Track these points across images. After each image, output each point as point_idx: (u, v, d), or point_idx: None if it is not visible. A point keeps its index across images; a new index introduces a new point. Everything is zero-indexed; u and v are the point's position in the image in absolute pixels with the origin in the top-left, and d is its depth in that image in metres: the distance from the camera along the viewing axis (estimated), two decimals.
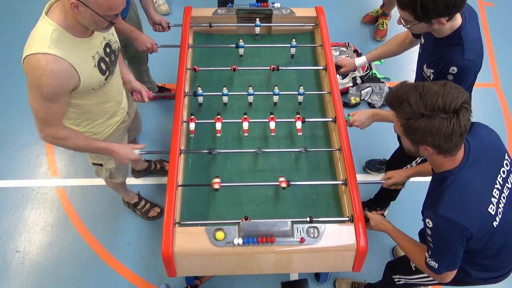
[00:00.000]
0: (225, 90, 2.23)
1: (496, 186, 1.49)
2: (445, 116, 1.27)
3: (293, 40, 2.46)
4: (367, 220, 1.85)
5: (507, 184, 1.54)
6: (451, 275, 1.54)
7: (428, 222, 1.45)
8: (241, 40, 2.44)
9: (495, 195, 1.47)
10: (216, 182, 1.90)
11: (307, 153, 2.16)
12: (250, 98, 2.28)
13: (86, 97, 1.69)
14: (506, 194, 1.53)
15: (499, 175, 1.51)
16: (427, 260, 1.54)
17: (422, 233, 1.86)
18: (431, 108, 1.27)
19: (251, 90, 2.24)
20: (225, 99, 2.27)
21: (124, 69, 2.07)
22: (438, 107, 1.27)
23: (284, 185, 1.90)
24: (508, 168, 1.54)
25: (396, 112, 1.38)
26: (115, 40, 1.77)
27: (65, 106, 1.62)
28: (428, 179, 1.63)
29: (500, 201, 1.49)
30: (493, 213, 1.45)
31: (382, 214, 1.88)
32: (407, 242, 1.71)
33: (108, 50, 1.69)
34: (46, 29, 1.47)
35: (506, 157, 1.56)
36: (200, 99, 2.27)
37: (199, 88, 2.23)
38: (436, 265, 1.51)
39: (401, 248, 1.76)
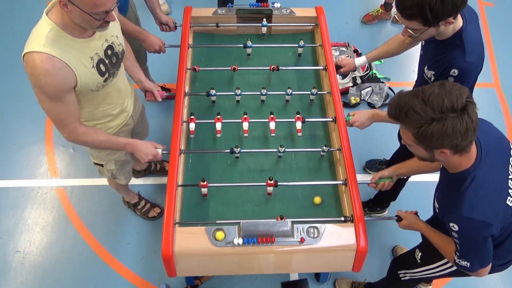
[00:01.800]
0: (238, 92, 2.24)
1: (510, 177, 1.48)
2: (455, 115, 1.24)
3: (301, 40, 2.46)
4: (400, 219, 1.85)
5: None
6: (486, 270, 1.54)
7: (453, 226, 1.43)
8: (249, 41, 2.43)
9: (510, 186, 1.47)
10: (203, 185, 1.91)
11: (307, 153, 2.16)
12: (263, 99, 2.29)
13: (85, 98, 1.69)
14: None
15: (510, 165, 1.51)
16: (457, 261, 1.53)
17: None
18: (440, 110, 1.25)
19: (264, 91, 2.25)
20: (237, 98, 2.28)
21: (135, 69, 2.08)
22: (446, 108, 1.24)
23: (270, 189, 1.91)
24: None
25: (404, 123, 1.34)
26: (119, 43, 1.76)
27: (73, 104, 1.63)
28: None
29: None
30: (511, 204, 1.45)
31: (416, 213, 1.86)
32: (442, 241, 1.68)
33: (109, 52, 1.69)
34: (43, 28, 1.48)
35: (511, 146, 1.56)
36: (213, 97, 2.27)
37: (212, 90, 2.23)
38: (468, 264, 1.51)
39: (435, 246, 1.74)
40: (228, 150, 2.02)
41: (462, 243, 1.47)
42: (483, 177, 1.41)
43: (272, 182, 1.90)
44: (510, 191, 1.46)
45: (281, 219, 1.81)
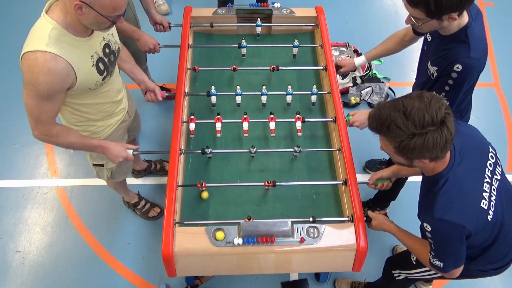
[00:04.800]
0: (238, 90, 2.23)
1: (485, 180, 1.50)
2: (435, 128, 1.28)
3: (296, 40, 2.46)
4: (369, 220, 1.85)
5: (495, 176, 1.55)
6: (458, 271, 1.56)
7: (426, 226, 1.45)
8: (243, 40, 2.43)
9: (486, 189, 1.49)
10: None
11: (307, 153, 2.16)
12: (264, 99, 2.27)
13: (83, 96, 1.69)
14: (496, 186, 1.54)
15: (487, 169, 1.52)
16: (432, 260, 1.55)
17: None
18: (421, 126, 1.28)
19: (264, 90, 2.23)
20: (238, 99, 2.26)
21: (137, 71, 2.08)
22: (427, 122, 1.27)
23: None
24: (493, 160, 1.56)
25: (385, 136, 1.37)
26: (115, 41, 1.77)
27: (59, 104, 1.62)
28: None
29: (492, 194, 1.50)
30: (485, 207, 1.47)
31: (385, 214, 1.88)
32: (413, 242, 1.71)
33: (107, 50, 1.69)
34: (45, 27, 1.47)
35: (490, 149, 1.57)
36: (214, 99, 2.25)
37: (213, 87, 2.22)
38: (442, 264, 1.52)
39: (407, 248, 1.76)
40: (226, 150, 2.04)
41: (435, 243, 1.49)
42: (456, 179, 1.43)
43: (270, 183, 1.91)
44: (484, 194, 1.47)
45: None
